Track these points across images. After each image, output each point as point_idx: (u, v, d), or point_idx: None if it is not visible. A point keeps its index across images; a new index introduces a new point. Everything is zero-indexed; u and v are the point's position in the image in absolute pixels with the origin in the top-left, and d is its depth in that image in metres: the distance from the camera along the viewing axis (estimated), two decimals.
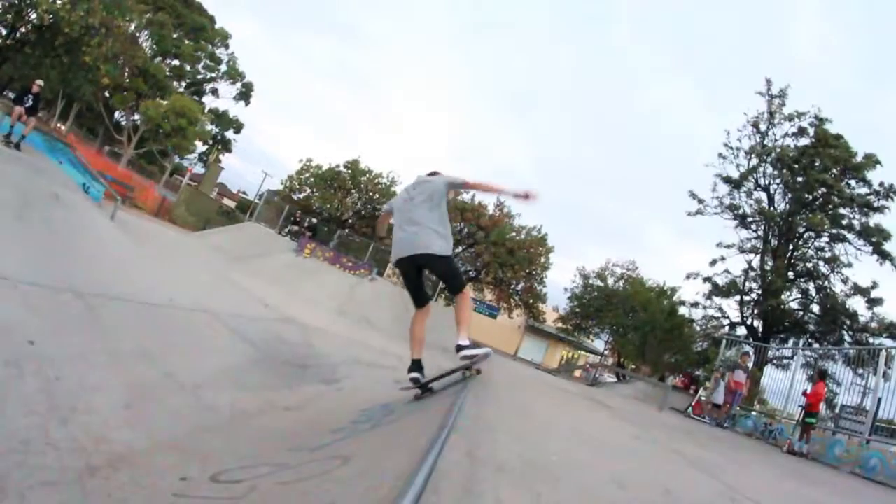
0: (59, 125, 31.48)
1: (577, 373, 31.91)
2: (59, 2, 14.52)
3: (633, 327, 27.93)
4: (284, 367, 7.12)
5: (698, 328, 26.60)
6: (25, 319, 4.66)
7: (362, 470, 2.83)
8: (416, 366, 4.68)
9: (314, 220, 28.60)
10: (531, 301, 29.20)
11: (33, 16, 14.56)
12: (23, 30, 14.86)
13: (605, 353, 34.41)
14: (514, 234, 27.35)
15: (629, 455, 4.11)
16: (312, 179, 30.75)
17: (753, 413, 15.88)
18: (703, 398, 17.15)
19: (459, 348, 4.41)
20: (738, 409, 14.46)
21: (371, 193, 30.75)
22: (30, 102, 10.63)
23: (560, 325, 31.98)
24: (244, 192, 60.07)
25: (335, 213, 30.14)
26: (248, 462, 3.48)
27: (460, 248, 27.74)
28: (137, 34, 31.73)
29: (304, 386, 6.36)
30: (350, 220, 30.42)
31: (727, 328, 25.32)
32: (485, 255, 26.37)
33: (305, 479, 2.85)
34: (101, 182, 12.48)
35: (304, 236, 23.50)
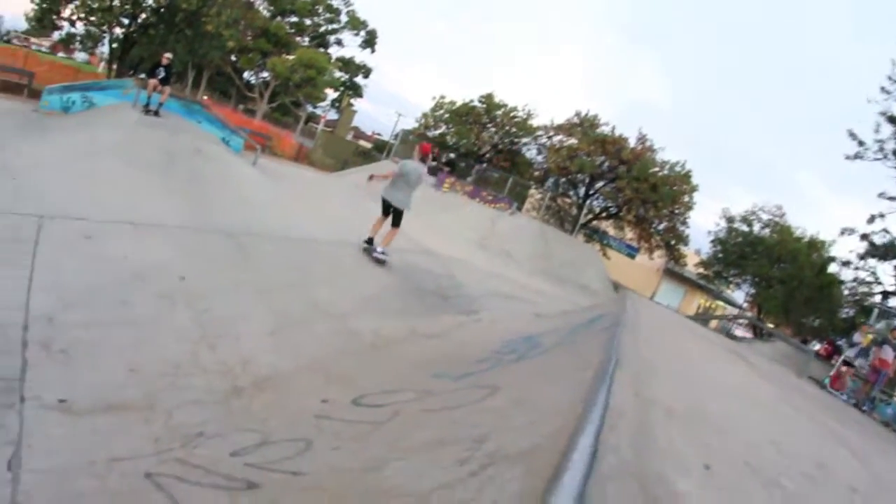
0: (193, 94, 34.76)
1: (714, 323, 29.48)
2: None
3: (779, 280, 24.81)
4: (426, 296, 7.22)
5: (846, 291, 22.71)
6: (178, 259, 5.15)
7: (514, 400, 2.63)
8: (369, 241, 7.95)
9: (451, 156, 28.68)
10: (673, 242, 27.07)
11: (150, 1, 15.73)
12: (143, 15, 16.22)
13: (744, 305, 31.27)
14: (656, 168, 25.10)
15: (779, 418, 3.59)
16: (447, 116, 30.71)
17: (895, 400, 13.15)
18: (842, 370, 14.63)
19: (374, 251, 7.76)
20: (881, 392, 11.97)
21: (508, 127, 29.96)
22: (162, 74, 11.56)
23: (701, 270, 29.57)
24: (379, 134, 62.15)
25: (472, 149, 29.99)
26: (392, 387, 3.46)
27: (601, 183, 26.35)
28: None
29: (445, 315, 6.37)
30: (488, 155, 30.07)
31: (879, 297, 21.11)
32: (626, 191, 24.60)
33: (452, 408, 2.73)
34: (240, 134, 13.49)
35: (443, 171, 23.67)
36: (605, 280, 17.24)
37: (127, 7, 15.64)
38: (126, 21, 16.10)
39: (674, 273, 39.30)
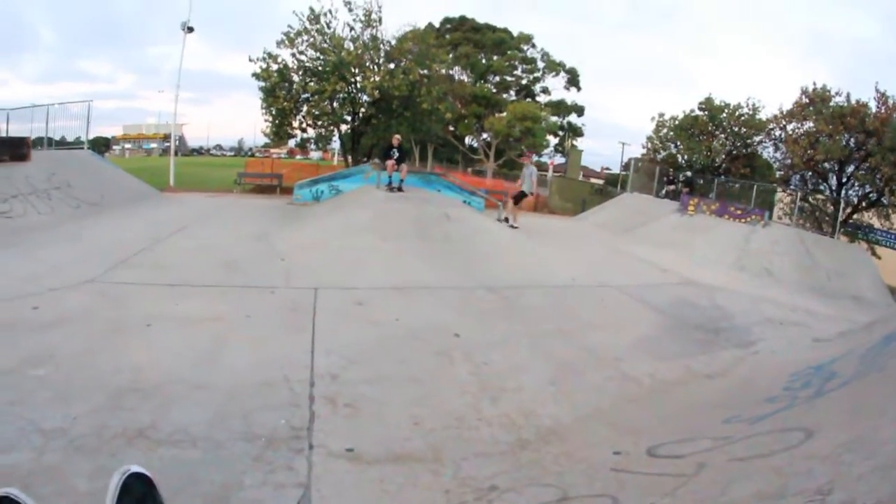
0: (422, 167, 39.10)
1: None
2: (377, 78, 18.11)
3: None
4: (696, 332, 6.81)
5: None
6: (448, 317, 5.53)
7: (844, 444, 2.31)
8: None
9: (688, 174, 26.86)
10: None
11: (364, 97, 18.46)
12: (362, 110, 19.03)
13: None
14: None
15: None
16: (672, 133, 29.36)
17: None
18: None
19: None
20: None
21: (737, 129, 27.21)
22: (396, 154, 13.29)
23: None
24: (608, 168, 61.68)
25: (706, 162, 27.86)
26: (683, 435, 3.25)
27: (852, 167, 21.77)
28: (451, 72, 37.14)
29: (720, 351, 5.96)
30: (724, 165, 27.49)
31: None
32: (883, 168, 19.71)
33: (766, 456, 2.50)
34: (479, 194, 14.42)
35: (684, 193, 22.25)
36: (880, 286, 14.01)
37: (347, 107, 18.45)
38: (349, 118, 18.95)
39: None
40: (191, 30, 21.95)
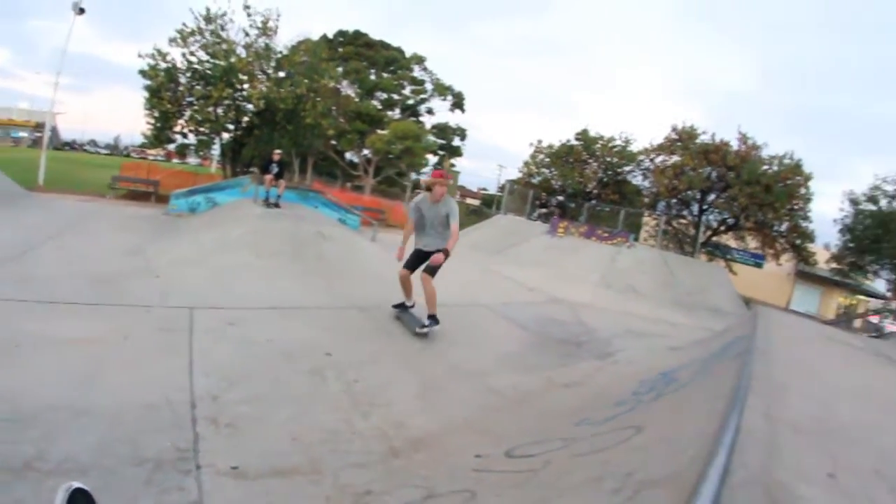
0: (301, 180, 38.63)
1: (858, 322, 25.89)
2: (264, 88, 18.04)
3: None
4: (559, 345, 7.47)
5: None
6: (320, 336, 5.71)
7: (659, 437, 2.90)
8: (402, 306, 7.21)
9: (560, 198, 29.00)
10: (798, 242, 24.98)
11: (249, 107, 18.36)
12: (246, 119, 18.88)
13: (888, 294, 27.26)
14: (765, 167, 23.78)
15: None
16: (548, 160, 31.62)
17: None
18: None
19: (421, 324, 6.59)
20: None
21: (609, 159, 30.14)
22: (276, 169, 13.27)
23: (834, 265, 26.70)
24: (485, 189, 64.28)
25: (578, 188, 30.34)
26: (539, 438, 3.67)
27: (713, 196, 25.50)
28: (339, 86, 37.46)
29: (580, 362, 6.58)
30: (595, 191, 30.19)
31: None
32: (740, 198, 23.45)
33: (601, 451, 2.97)
34: (355, 213, 14.68)
35: (555, 216, 23.91)
36: (735, 299, 16.43)
37: (231, 115, 18.08)
38: (232, 126, 18.58)
39: (806, 274, 36.84)
40: (82, 11, 20.32)
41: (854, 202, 25.86)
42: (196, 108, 17.48)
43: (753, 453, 1.93)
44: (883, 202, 25.07)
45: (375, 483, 2.97)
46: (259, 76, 18.30)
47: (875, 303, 34.12)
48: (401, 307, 7.14)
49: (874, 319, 27.04)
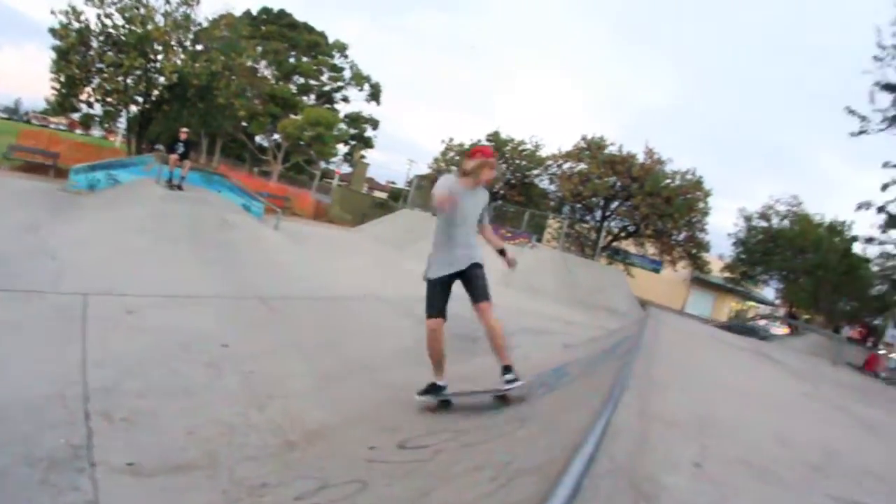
0: (208, 161, 36.66)
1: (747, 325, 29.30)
2: (179, 61, 16.95)
3: (804, 271, 25.11)
4: (456, 340, 7.46)
5: (875, 268, 22.71)
6: (218, 327, 5.56)
7: (540, 430, 3.03)
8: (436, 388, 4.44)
9: None
10: (694, 251, 27.45)
11: (161, 79, 17.14)
12: (156, 93, 17.70)
13: (776, 302, 31.15)
14: (668, 180, 25.80)
15: (795, 413, 4.00)
16: (458, 158, 31.89)
17: None
18: (882, 351, 14.66)
19: (509, 381, 3.99)
20: None
21: (518, 161, 30.98)
22: (181, 149, 12.50)
23: (727, 274, 29.82)
24: (393, 182, 64.00)
25: (486, 187, 30.95)
26: (431, 430, 3.77)
27: (616, 204, 27.15)
28: (256, 66, 35.78)
29: (476, 358, 6.63)
30: (502, 192, 30.92)
31: None
32: (642, 208, 25.24)
33: (486, 442, 3.07)
34: (259, 200, 14.23)
35: None
36: (631, 300, 17.62)
37: (141, 87, 16.87)
38: (141, 99, 17.35)
39: (701, 281, 39.99)
40: None
41: (747, 218, 28.51)
42: (105, 75, 16.04)
43: (622, 446, 2.00)
44: (775, 220, 27.82)
45: (271, 476, 3.01)
46: (175, 48, 17.09)
47: (764, 308, 37.24)
48: (434, 391, 4.44)
49: (762, 323, 29.53)
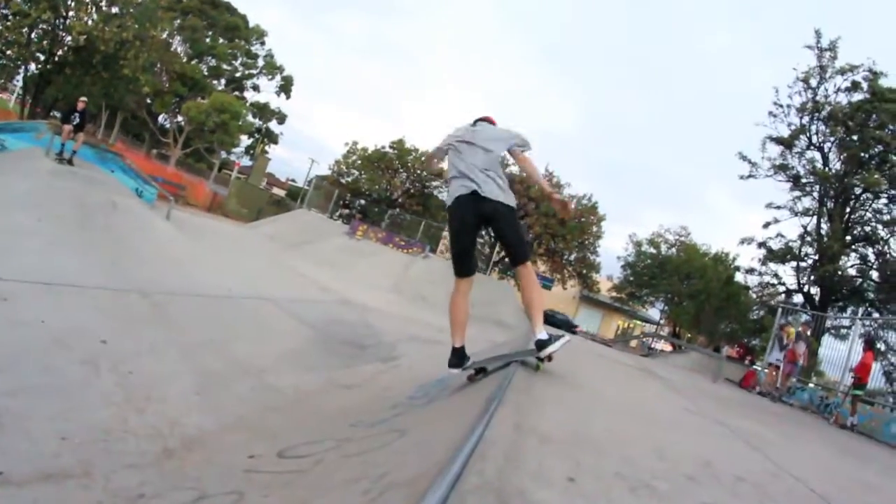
0: (105, 136, 33.40)
1: (633, 343, 31.88)
2: (90, 22, 15.39)
3: (689, 295, 27.78)
4: (344, 347, 7.45)
5: (754, 295, 25.97)
6: (97, 321, 5.15)
7: (418, 441, 3.02)
8: (459, 356, 4.02)
9: (362, 202, 29.26)
10: (584, 271, 29.23)
11: (68, 39, 15.47)
12: (60, 53, 15.93)
13: (661, 322, 34.16)
14: None
15: (675, 427, 4.09)
16: (360, 162, 31.46)
17: (810, 385, 15.45)
18: (757, 368, 16.97)
19: (541, 344, 3.73)
20: (795, 381, 13.91)
21: (419, 171, 31.10)
22: (77, 120, 11.29)
23: (614, 294, 32.10)
24: (293, 180, 61.79)
25: (384, 194, 30.75)
26: (313, 438, 3.71)
27: None
28: (170, 41, 33.18)
29: (363, 365, 6.62)
30: (400, 200, 30.95)
31: (783, 296, 24.53)
32: (536, 227, 26.43)
33: (366, 452, 3.04)
34: (153, 185, 13.25)
35: (356, 218, 24.07)
36: (519, 314, 18.12)
37: (45, 44, 15.14)
38: (43, 57, 15.56)
39: (590, 299, 41.76)
40: None
41: (637, 244, 30.61)
42: (8, 24, 14.26)
43: (493, 461, 1.92)
44: (663, 247, 30.04)
45: (147, 486, 2.90)
46: (88, 5, 15.48)
47: (650, 327, 39.51)
48: (460, 358, 4.07)
49: (647, 340, 31.39)
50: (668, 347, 28.88)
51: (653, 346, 29.38)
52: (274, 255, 14.01)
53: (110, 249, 7.52)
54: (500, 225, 3.88)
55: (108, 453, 3.19)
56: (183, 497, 2.79)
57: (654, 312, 36.66)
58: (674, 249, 30.30)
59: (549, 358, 3.88)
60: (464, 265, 4.00)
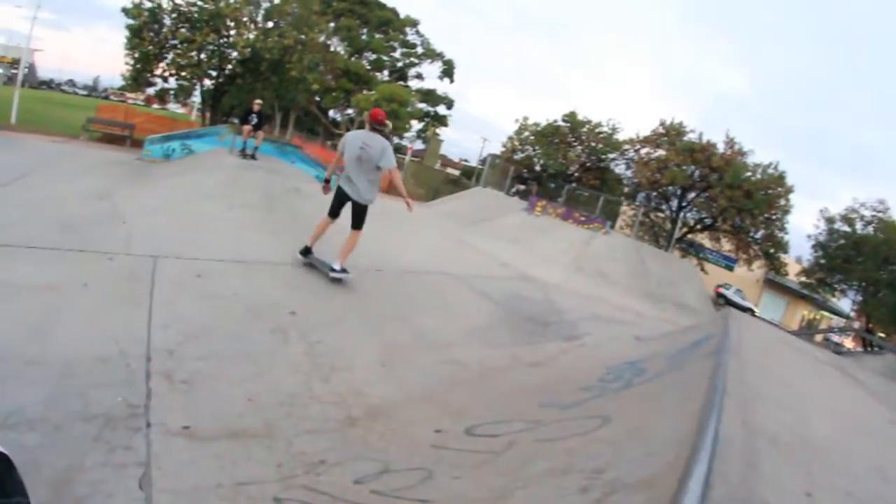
0: (281, 134, 37.61)
1: (819, 338, 26.82)
2: (251, 36, 17.36)
3: (887, 284, 22.61)
4: (526, 323, 7.30)
5: None
6: (286, 294, 5.51)
7: (629, 431, 2.76)
8: (307, 251, 6.63)
9: (538, 178, 28.98)
10: (772, 251, 25.36)
11: (234, 54, 17.67)
12: (229, 67, 18.24)
13: (852, 314, 28.37)
14: (749, 173, 23.90)
15: (888, 443, 3.57)
16: (532, 137, 31.30)
17: None
18: None
19: (332, 270, 6.24)
20: None
21: (594, 144, 29.92)
22: (255, 120, 12.70)
23: (803, 278, 27.38)
24: (466, 160, 63.62)
25: (560, 169, 30.19)
26: (502, 417, 3.58)
27: (693, 194, 25.66)
28: (328, 42, 36.24)
29: (547, 343, 6.47)
30: (576, 174, 30.06)
31: None
32: (720, 200, 23.58)
33: (565, 438, 2.86)
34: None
35: (534, 194, 23.84)
36: (703, 296, 16.69)
37: (214, 62, 17.41)
38: (214, 73, 17.91)
39: (775, 283, 38.11)
40: None
41: (829, 220, 26.37)
42: (179, 51, 16.77)
43: (734, 465, 1.83)
44: (858, 225, 25.62)
45: (330, 452, 2.86)
46: (247, 23, 17.60)
47: (837, 320, 35.16)
48: (306, 252, 6.78)
49: (835, 338, 27.73)
50: (855, 346, 24.07)
51: (840, 342, 24.79)
52: (453, 231, 14.28)
53: (296, 230, 8.10)
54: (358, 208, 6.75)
55: (292, 417, 3.23)
56: (366, 468, 2.67)
57: (844, 304, 30.99)
58: (871, 227, 24.92)
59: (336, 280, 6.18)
60: (334, 214, 6.64)
